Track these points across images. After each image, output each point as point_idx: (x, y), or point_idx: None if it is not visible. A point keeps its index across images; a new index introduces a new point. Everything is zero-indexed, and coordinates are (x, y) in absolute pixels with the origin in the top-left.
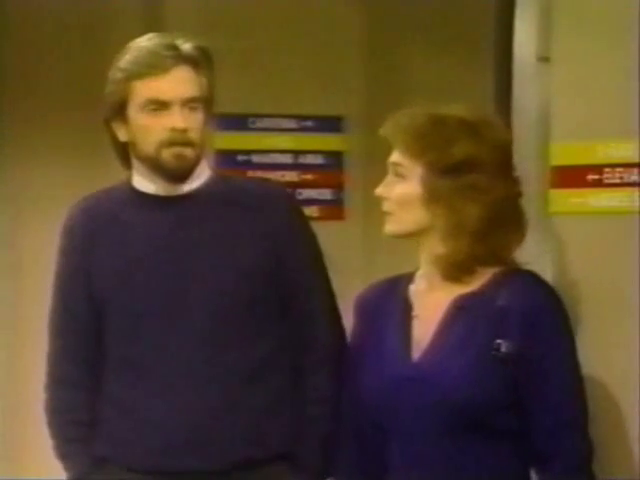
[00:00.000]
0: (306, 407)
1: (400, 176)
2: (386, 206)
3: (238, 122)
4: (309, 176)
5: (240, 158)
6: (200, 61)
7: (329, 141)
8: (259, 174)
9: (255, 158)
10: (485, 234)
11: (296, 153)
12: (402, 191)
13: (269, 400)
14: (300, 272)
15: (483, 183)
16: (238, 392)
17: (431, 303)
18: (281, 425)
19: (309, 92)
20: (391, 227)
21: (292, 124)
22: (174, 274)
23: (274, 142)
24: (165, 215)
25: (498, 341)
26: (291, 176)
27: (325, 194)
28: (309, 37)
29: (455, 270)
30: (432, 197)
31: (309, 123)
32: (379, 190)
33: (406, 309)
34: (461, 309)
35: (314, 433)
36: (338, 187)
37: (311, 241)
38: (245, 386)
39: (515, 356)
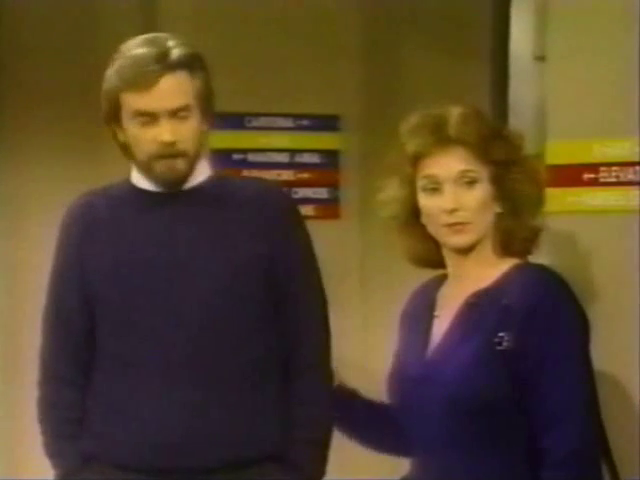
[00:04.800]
0: (294, 409)
1: (470, 182)
2: (462, 217)
3: (234, 121)
4: (305, 175)
5: (236, 157)
6: (192, 65)
7: (325, 140)
8: (255, 173)
9: (251, 157)
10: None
11: (292, 152)
12: (479, 195)
13: (261, 399)
14: (292, 274)
15: (532, 164)
16: (230, 391)
17: (450, 302)
18: (272, 425)
19: (305, 91)
20: (471, 237)
21: (288, 123)
22: (168, 271)
23: (270, 141)
24: (162, 212)
25: (500, 334)
26: (287, 175)
27: (321, 193)
28: (305, 36)
29: (527, 243)
30: (504, 191)
31: (305, 122)
32: (451, 205)
33: (430, 310)
34: (471, 305)
35: (303, 437)
36: (334, 186)
37: (305, 243)
38: (237, 385)
39: (515, 351)
